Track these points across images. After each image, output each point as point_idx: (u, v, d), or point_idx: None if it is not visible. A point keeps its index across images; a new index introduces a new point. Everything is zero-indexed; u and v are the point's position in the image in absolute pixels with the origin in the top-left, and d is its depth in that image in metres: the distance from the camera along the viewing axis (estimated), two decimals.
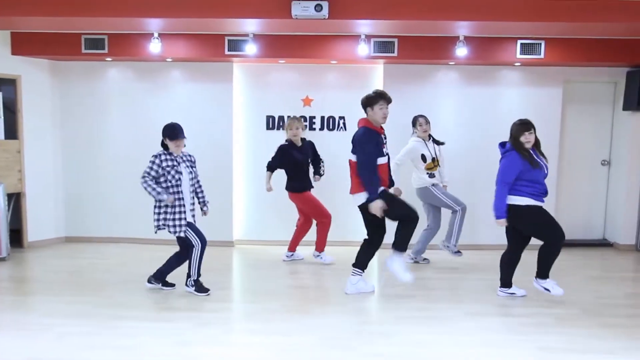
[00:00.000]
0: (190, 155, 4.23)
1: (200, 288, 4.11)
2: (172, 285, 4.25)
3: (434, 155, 4.93)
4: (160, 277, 4.24)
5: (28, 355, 3.02)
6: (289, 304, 3.97)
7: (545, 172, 3.96)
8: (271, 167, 5.09)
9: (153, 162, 3.99)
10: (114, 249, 5.66)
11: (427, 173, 4.92)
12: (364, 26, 4.60)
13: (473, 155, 5.73)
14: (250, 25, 4.71)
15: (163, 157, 4.00)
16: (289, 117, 5.14)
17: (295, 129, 5.00)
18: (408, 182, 5.08)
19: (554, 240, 3.93)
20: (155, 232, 4.09)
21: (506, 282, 4.16)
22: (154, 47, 5.16)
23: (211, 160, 5.82)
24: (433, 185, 4.92)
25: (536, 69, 5.69)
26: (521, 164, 3.85)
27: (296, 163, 4.99)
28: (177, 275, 4.25)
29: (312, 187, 5.14)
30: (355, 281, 4.20)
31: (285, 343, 3.24)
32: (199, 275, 4.12)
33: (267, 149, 5.84)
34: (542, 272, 4.04)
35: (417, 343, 3.26)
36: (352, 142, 4.06)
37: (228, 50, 5.37)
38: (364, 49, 5.13)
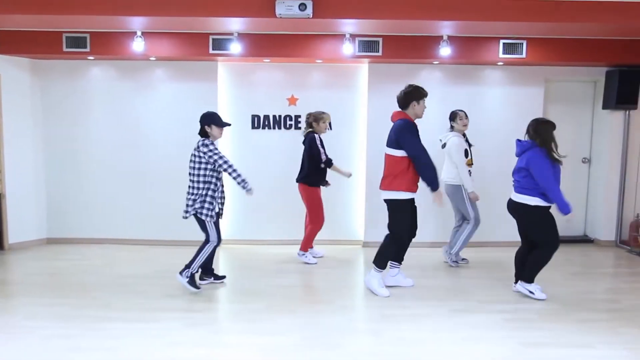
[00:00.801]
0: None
1: (193, 282, 4.14)
2: (223, 277, 4.44)
3: (470, 153, 4.92)
4: (208, 272, 4.35)
5: (11, 359, 2.97)
6: (276, 303, 3.97)
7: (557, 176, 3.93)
8: (330, 160, 4.99)
9: (215, 147, 4.06)
10: (98, 250, 5.60)
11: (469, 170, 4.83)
12: (348, 25, 4.62)
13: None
14: (235, 24, 4.69)
15: (214, 146, 4.08)
16: (322, 113, 5.08)
17: (327, 122, 5.06)
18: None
19: (547, 247, 3.99)
20: (186, 218, 4.17)
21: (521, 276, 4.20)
22: (137, 45, 5.11)
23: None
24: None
25: (518, 68, 5.77)
26: (551, 161, 3.85)
27: (322, 157, 4.99)
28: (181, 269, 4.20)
29: (326, 185, 5.15)
30: (394, 273, 4.32)
31: (272, 343, 3.24)
32: (198, 270, 4.19)
33: (252, 148, 5.85)
34: (527, 275, 4.09)
35: (402, 341, 3.28)
36: (391, 134, 4.05)
37: (212, 49, 5.33)
38: (348, 48, 5.15)
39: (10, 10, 4.20)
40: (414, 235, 4.25)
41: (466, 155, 4.83)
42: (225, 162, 4.08)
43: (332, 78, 5.84)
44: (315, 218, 5.08)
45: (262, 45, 5.33)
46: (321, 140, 5.04)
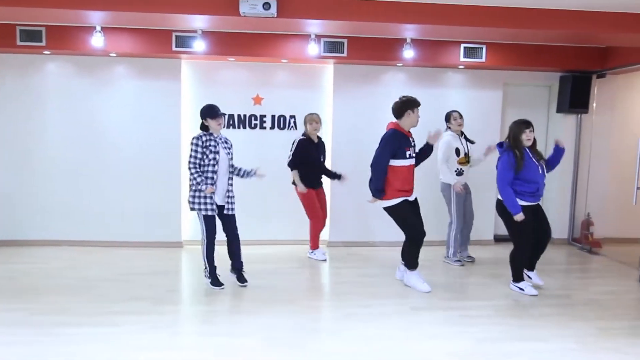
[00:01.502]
0: (227, 139, 4.31)
1: (214, 281, 4.20)
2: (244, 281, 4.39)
3: (466, 151, 5.05)
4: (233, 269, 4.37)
5: None
6: (238, 304, 3.95)
7: (540, 172, 4.12)
8: (296, 164, 5.06)
9: (196, 145, 4.12)
10: (54, 253, 5.39)
11: (457, 169, 5.02)
12: (313, 26, 4.63)
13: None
14: (198, 22, 4.62)
15: (205, 138, 4.15)
16: (310, 114, 5.18)
17: (316, 123, 5.08)
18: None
19: (515, 247, 4.22)
20: (191, 210, 4.22)
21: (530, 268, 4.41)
22: (96, 41, 4.95)
23: (159, 159, 5.68)
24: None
25: (478, 72, 5.95)
26: (514, 162, 4.04)
27: (311, 159, 5.07)
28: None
29: (320, 186, 5.24)
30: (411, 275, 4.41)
31: (233, 344, 3.22)
32: (210, 267, 4.24)
33: None
34: (512, 274, 4.31)
35: (363, 339, 3.33)
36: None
37: (176, 47, 5.24)
38: (314, 48, 5.16)
39: None
40: (423, 234, 4.32)
41: (458, 154, 5.02)
42: (189, 162, 4.13)
43: (298, 78, 5.85)
44: (310, 214, 5.19)
45: (227, 44, 5.28)
46: (308, 143, 5.09)
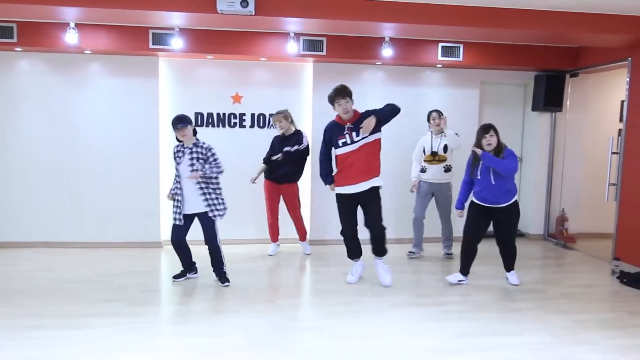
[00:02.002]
0: (202, 147, 4.20)
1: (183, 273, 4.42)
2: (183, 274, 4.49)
3: (435, 149, 5.11)
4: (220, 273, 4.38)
5: None
6: (218, 304, 3.92)
7: (489, 176, 4.19)
8: (265, 158, 5.28)
9: (175, 152, 4.28)
10: (29, 255, 5.25)
11: (422, 166, 5.18)
12: (291, 24, 4.62)
13: (397, 151, 5.89)
14: (176, 19, 4.55)
15: (176, 149, 4.27)
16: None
17: (278, 122, 5.16)
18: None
19: (463, 237, 4.41)
20: None
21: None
22: (70, 37, 4.84)
23: (137, 159, 5.59)
24: (420, 181, 5.24)
25: (456, 70, 6.02)
26: (470, 164, 4.33)
27: (273, 152, 5.20)
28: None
29: (283, 182, 5.24)
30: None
31: (213, 344, 3.20)
32: (182, 268, 4.44)
33: None
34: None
35: (343, 336, 3.34)
36: None
37: (153, 44, 5.16)
38: (293, 46, 5.15)
39: None
40: (348, 232, 4.33)
41: (424, 152, 5.18)
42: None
43: (277, 76, 5.83)
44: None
45: (205, 42, 5.23)
46: (279, 138, 5.24)
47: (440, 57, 5.63)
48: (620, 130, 5.24)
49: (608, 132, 5.70)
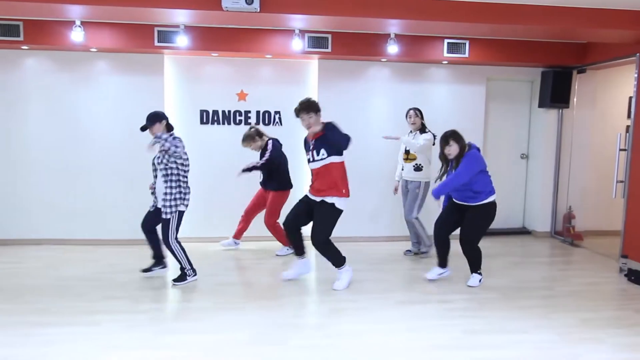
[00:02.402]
0: (162, 143, 4.06)
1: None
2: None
3: (408, 148, 5.10)
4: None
5: None
6: (222, 301, 3.92)
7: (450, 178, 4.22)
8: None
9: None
10: (35, 252, 5.30)
11: (402, 165, 5.18)
12: (297, 21, 4.60)
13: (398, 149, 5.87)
14: (181, 16, 4.55)
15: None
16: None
17: (249, 146, 5.16)
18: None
19: (434, 228, 4.43)
20: None
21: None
22: (76, 35, 4.86)
23: (142, 156, 5.59)
24: (399, 180, 5.24)
25: (461, 67, 5.98)
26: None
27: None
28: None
29: (266, 188, 5.25)
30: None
31: (217, 341, 3.20)
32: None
33: (201, 144, 5.72)
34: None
35: (350, 333, 3.34)
36: None
37: (158, 42, 5.17)
38: (298, 43, 5.14)
39: None
40: (285, 223, 4.29)
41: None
42: None
43: (282, 73, 5.82)
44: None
45: (210, 39, 5.23)
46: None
47: (446, 54, 5.59)
48: (628, 126, 5.19)
49: (616, 129, 5.64)
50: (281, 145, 5.18)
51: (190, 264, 4.29)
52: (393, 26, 4.88)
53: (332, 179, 4.04)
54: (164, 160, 4.12)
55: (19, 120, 5.48)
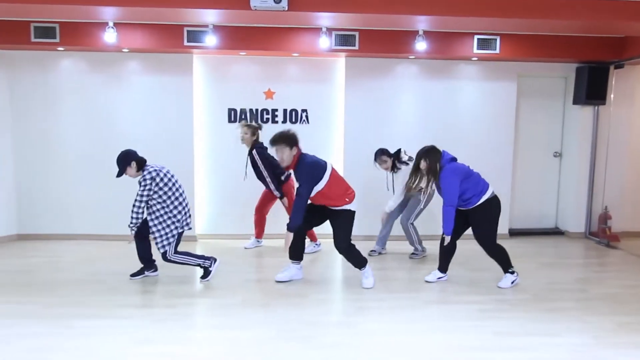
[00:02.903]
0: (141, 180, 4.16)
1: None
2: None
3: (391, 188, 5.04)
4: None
5: None
6: (249, 297, 3.96)
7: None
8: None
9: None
10: (70, 247, 5.47)
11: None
12: (324, 19, 4.60)
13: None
14: (210, 16, 4.62)
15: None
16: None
17: (244, 134, 5.07)
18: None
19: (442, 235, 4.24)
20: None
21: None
22: (109, 36, 4.99)
23: (172, 154, 5.71)
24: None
25: (492, 63, 5.85)
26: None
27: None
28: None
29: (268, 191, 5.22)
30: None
31: (245, 337, 3.23)
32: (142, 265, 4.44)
33: (228, 142, 5.79)
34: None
35: (377, 332, 3.32)
36: None
37: (187, 41, 5.26)
38: (325, 41, 5.13)
39: None
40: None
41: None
42: None
43: (309, 72, 5.83)
44: None
45: (238, 38, 5.28)
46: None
47: (476, 50, 5.48)
48: None
49: None
50: (266, 148, 4.97)
51: (203, 257, 4.30)
52: (421, 23, 4.83)
53: (332, 196, 4.06)
54: (144, 199, 4.12)
55: (55, 120, 5.66)
